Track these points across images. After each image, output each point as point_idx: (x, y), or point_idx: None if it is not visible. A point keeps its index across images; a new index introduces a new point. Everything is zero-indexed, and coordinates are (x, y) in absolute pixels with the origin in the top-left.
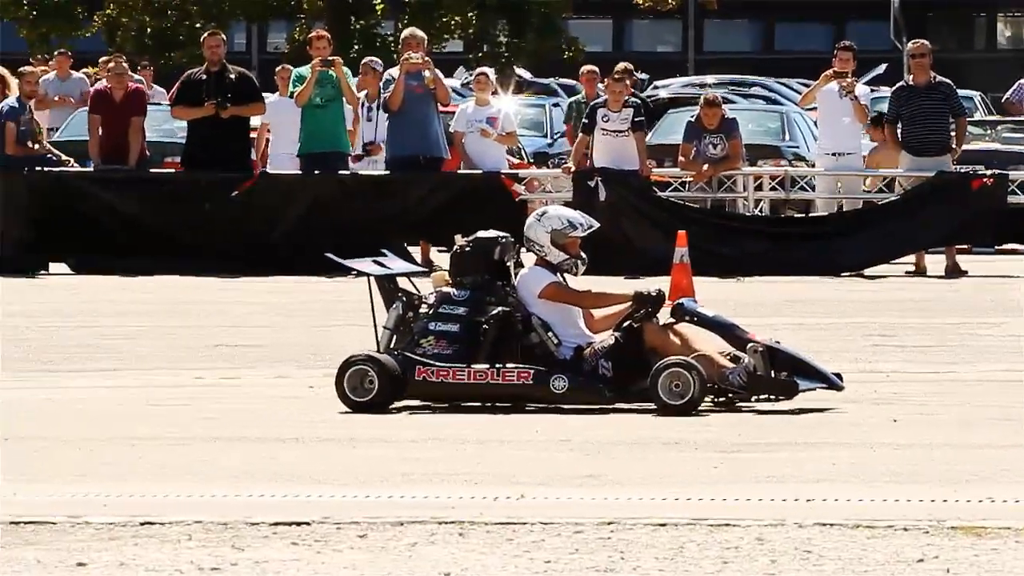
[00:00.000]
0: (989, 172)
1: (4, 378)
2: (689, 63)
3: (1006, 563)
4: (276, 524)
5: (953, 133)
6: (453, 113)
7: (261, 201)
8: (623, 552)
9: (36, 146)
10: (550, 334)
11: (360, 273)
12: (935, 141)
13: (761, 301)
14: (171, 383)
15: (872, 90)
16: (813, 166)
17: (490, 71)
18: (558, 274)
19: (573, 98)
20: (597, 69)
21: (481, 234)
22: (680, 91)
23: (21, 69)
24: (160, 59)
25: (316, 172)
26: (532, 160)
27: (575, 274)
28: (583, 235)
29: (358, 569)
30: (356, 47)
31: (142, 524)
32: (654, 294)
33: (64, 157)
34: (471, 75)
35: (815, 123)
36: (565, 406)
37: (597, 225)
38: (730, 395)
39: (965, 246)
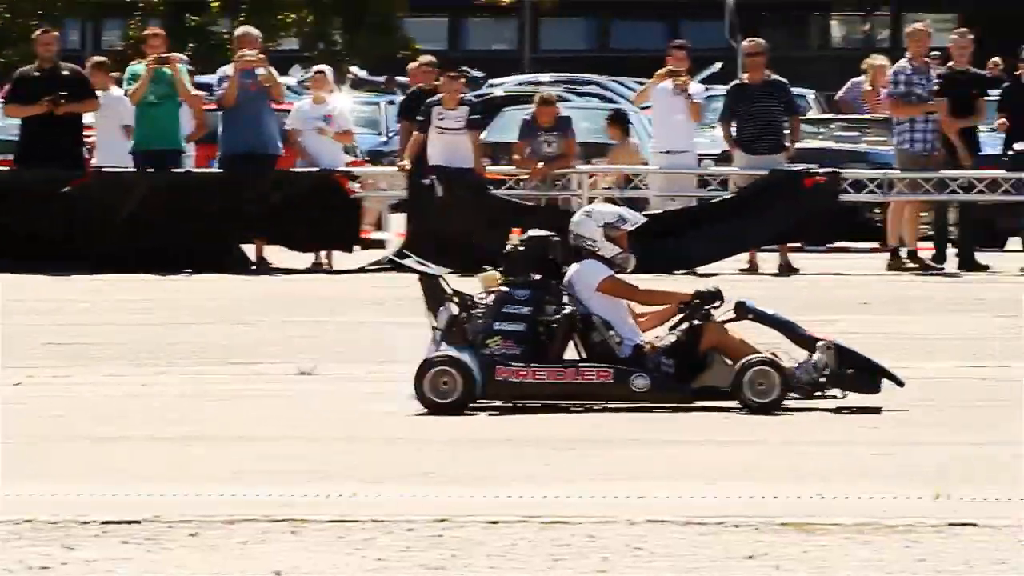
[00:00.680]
0: (822, 170)
1: None
2: (525, 61)
3: (835, 559)
4: (107, 523)
5: (787, 131)
6: (288, 111)
7: (94, 197)
8: (455, 550)
9: None
10: (611, 332)
11: (425, 273)
12: (769, 139)
13: None
14: None
15: (707, 88)
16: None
17: (328, 69)
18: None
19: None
20: (434, 59)
21: (534, 233)
22: (515, 89)
23: None
24: None
25: (150, 170)
26: (368, 158)
27: (626, 269)
28: (631, 229)
29: (189, 567)
30: (191, 45)
31: None
32: (713, 291)
33: None
34: (307, 73)
35: (649, 121)
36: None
37: (644, 219)
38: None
39: (798, 244)
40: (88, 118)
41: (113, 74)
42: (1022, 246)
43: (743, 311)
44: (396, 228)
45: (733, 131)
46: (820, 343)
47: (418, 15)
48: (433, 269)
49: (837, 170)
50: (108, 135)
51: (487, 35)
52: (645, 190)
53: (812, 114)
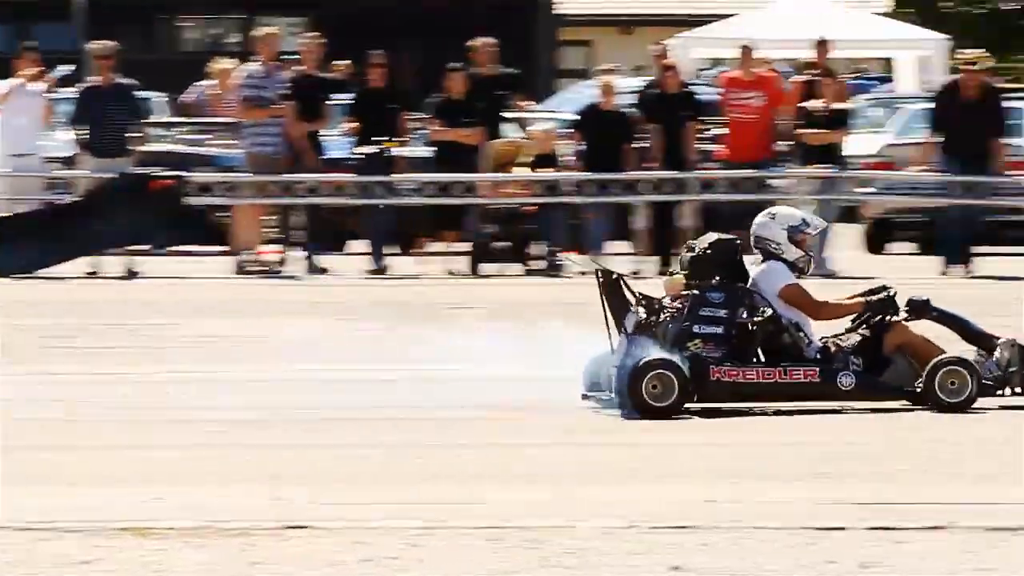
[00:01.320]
0: (168, 174)
1: None
2: None
3: (173, 562)
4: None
5: (136, 135)
6: None
7: None
8: None
9: None
10: (801, 333)
11: (609, 273)
12: (116, 143)
13: None
14: None
15: (55, 91)
16: None
17: None
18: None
19: None
20: None
21: (717, 236)
22: None
23: None
24: None
25: None
26: None
27: (806, 271)
28: (814, 233)
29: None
30: None
31: None
32: (885, 299)
33: None
34: None
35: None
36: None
37: (827, 224)
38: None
39: (144, 247)
40: None
41: None
42: (370, 248)
43: (925, 309)
44: None
45: (81, 135)
46: (1003, 340)
47: None
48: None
49: (183, 173)
50: None
51: None
52: None
53: (160, 117)
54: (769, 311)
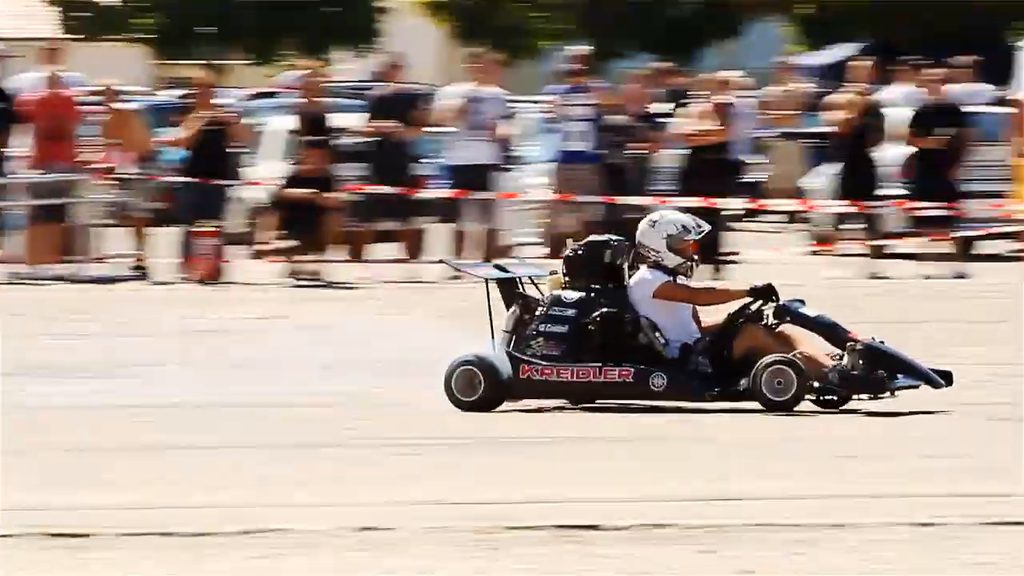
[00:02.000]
0: None
1: None
2: None
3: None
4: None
5: None
6: None
7: None
8: None
9: None
10: (657, 334)
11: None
12: None
13: None
14: None
15: None
16: None
17: None
18: (675, 277)
19: None
20: None
21: (593, 238)
22: None
23: None
24: None
25: None
26: None
27: (689, 276)
28: (697, 238)
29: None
30: None
31: None
32: (764, 287)
33: None
34: None
35: None
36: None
37: (709, 227)
38: (831, 395)
39: None
40: None
41: None
42: None
43: (783, 313)
44: None
45: None
46: (848, 344)
47: None
48: (514, 272)
49: None
50: None
51: None
52: None
53: None
54: (607, 311)
